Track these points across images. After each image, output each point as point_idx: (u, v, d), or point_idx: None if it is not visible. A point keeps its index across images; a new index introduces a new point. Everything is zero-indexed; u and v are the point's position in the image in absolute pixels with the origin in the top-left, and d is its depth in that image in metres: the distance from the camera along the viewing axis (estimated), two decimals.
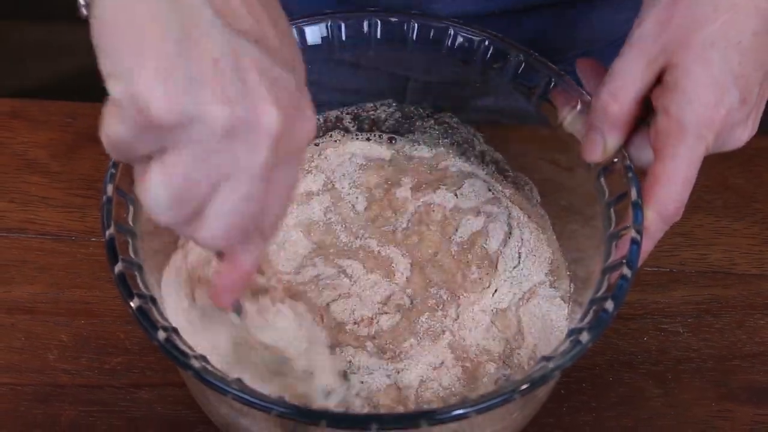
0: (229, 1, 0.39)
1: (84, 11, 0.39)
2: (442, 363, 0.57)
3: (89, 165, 0.74)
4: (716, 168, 0.77)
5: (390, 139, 0.69)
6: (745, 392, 0.64)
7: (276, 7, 0.43)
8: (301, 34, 0.61)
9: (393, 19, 0.62)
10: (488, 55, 0.61)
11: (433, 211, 0.64)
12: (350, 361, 0.57)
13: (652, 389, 0.64)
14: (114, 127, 0.37)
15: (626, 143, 0.54)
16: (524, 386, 0.46)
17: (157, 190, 0.38)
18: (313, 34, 0.61)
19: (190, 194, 0.38)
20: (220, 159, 0.38)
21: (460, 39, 0.62)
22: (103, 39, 0.36)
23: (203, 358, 0.47)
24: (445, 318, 0.59)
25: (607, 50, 0.54)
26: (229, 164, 0.38)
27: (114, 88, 0.36)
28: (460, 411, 0.45)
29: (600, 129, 0.53)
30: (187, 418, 0.61)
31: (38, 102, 0.78)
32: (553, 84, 0.59)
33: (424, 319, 0.59)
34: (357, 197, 0.65)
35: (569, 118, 0.58)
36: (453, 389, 0.57)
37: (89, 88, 0.82)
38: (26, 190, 0.73)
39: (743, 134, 0.52)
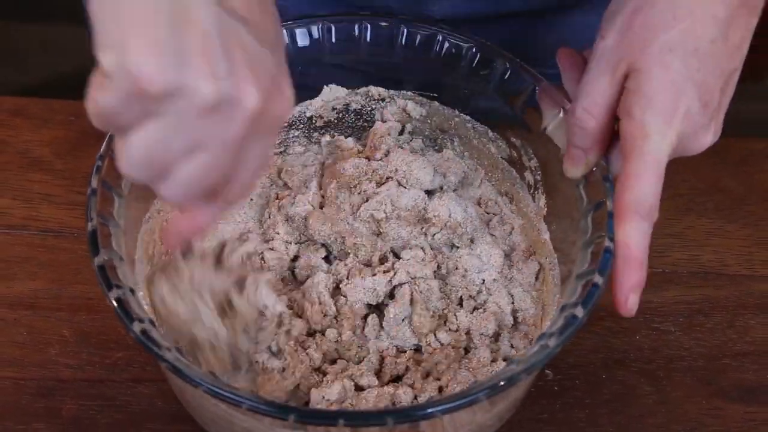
0: None
1: None
2: None
3: (92, 163, 0.74)
4: (708, 170, 0.78)
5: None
6: (735, 390, 0.65)
7: None
8: (292, 36, 0.63)
9: (383, 24, 0.63)
10: (475, 62, 0.63)
11: None
12: None
13: (645, 387, 0.65)
14: (103, 97, 0.38)
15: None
16: (491, 388, 0.47)
17: (133, 153, 0.40)
18: (303, 36, 0.63)
19: (162, 158, 0.41)
20: (196, 130, 0.40)
21: (447, 45, 0.63)
22: (98, 9, 0.38)
23: (177, 350, 0.48)
24: None
25: None
26: (204, 135, 0.40)
27: (106, 58, 0.38)
28: (428, 410, 0.46)
29: (580, 146, 0.55)
30: (187, 412, 0.61)
31: (42, 100, 0.79)
32: (537, 91, 0.60)
33: None
34: None
35: (551, 126, 0.59)
36: None
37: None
38: (29, 188, 0.74)
39: (706, 138, 0.53)
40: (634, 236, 0.50)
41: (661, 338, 0.68)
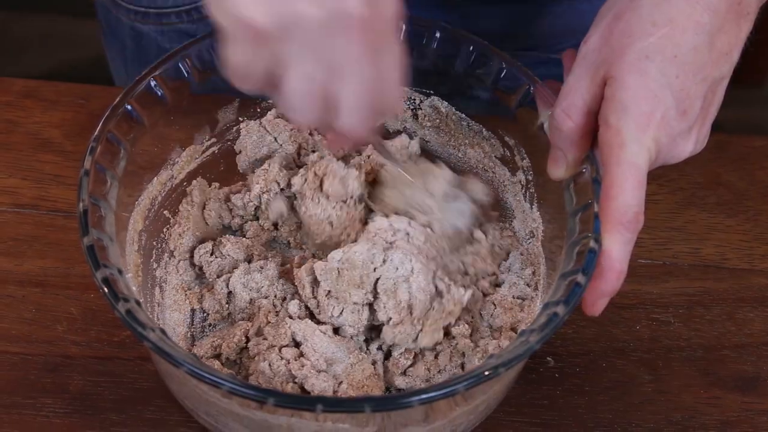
0: None
1: None
2: None
3: None
4: (710, 166, 0.79)
5: None
6: (732, 380, 0.66)
7: None
8: None
9: None
10: (472, 60, 0.63)
11: None
12: None
13: (644, 376, 0.66)
14: (232, 53, 0.44)
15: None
16: (471, 379, 0.47)
17: (290, 99, 0.46)
18: None
19: (313, 92, 0.45)
20: (325, 53, 0.44)
21: (445, 43, 0.63)
22: None
23: (162, 331, 0.49)
24: None
25: None
26: (336, 56, 0.44)
27: (220, 17, 0.43)
28: (406, 400, 0.46)
29: (559, 146, 0.55)
30: None
31: (52, 83, 0.80)
32: (532, 90, 0.60)
33: None
34: None
35: (546, 124, 0.59)
36: None
37: (90, 77, 0.84)
38: (39, 168, 0.74)
39: (686, 146, 0.53)
40: (616, 247, 0.51)
41: (660, 329, 0.69)
